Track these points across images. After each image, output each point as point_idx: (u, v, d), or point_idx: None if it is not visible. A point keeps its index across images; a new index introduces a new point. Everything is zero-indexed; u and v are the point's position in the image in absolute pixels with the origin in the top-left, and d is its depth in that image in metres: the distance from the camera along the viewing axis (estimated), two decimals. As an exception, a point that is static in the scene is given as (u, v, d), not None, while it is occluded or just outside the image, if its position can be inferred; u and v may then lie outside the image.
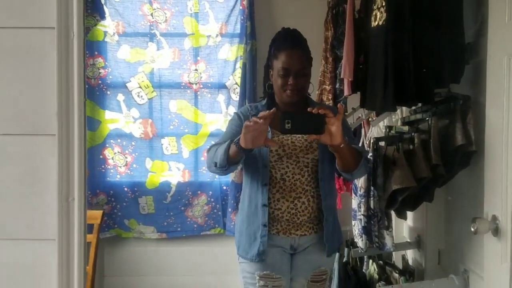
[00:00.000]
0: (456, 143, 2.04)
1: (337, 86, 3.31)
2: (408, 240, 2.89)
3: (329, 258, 2.11)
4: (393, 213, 2.51)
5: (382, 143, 2.40)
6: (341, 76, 3.18)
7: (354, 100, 3.30)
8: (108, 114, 3.66)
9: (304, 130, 1.75)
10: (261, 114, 1.78)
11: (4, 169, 1.16)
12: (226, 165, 1.90)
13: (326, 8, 3.46)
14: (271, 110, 1.77)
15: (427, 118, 2.12)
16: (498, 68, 1.67)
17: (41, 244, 1.16)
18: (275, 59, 2.00)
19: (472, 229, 1.68)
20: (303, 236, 2.05)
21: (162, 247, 3.82)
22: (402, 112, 2.66)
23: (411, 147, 2.17)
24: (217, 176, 3.68)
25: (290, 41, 2.00)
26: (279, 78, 1.97)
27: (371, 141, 3.01)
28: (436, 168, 2.10)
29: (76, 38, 1.11)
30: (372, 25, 2.32)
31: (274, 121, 1.85)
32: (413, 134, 2.15)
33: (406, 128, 2.22)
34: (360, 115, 3.11)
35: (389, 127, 2.41)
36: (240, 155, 1.86)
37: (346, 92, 3.19)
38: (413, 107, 2.35)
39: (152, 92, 3.69)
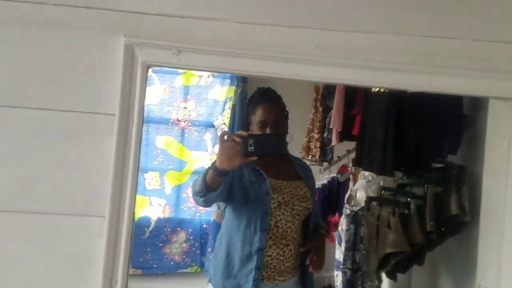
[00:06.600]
0: (451, 212, 2.12)
1: (325, 135, 3.41)
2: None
3: None
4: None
5: (374, 203, 2.48)
6: (330, 126, 3.29)
7: (340, 149, 3.42)
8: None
9: (267, 150, 1.75)
10: (237, 132, 1.78)
11: (52, 248, 1.14)
12: (204, 191, 1.85)
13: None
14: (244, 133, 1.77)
15: (425, 185, 2.20)
16: (498, 150, 1.76)
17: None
18: (252, 115, 2.10)
19: (467, 301, 1.75)
20: (284, 281, 2.10)
21: (135, 283, 3.75)
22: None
23: (406, 211, 2.25)
24: (198, 214, 3.68)
25: (265, 97, 2.12)
26: (258, 131, 2.06)
27: (356, 195, 3.11)
28: (430, 234, 2.18)
29: (135, 126, 1.12)
30: (372, 89, 2.41)
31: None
32: (409, 199, 2.23)
33: (403, 195, 2.30)
34: (350, 167, 3.21)
35: (384, 188, 2.48)
36: (216, 180, 1.82)
37: (334, 142, 3.29)
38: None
39: (139, 126, 3.67)
